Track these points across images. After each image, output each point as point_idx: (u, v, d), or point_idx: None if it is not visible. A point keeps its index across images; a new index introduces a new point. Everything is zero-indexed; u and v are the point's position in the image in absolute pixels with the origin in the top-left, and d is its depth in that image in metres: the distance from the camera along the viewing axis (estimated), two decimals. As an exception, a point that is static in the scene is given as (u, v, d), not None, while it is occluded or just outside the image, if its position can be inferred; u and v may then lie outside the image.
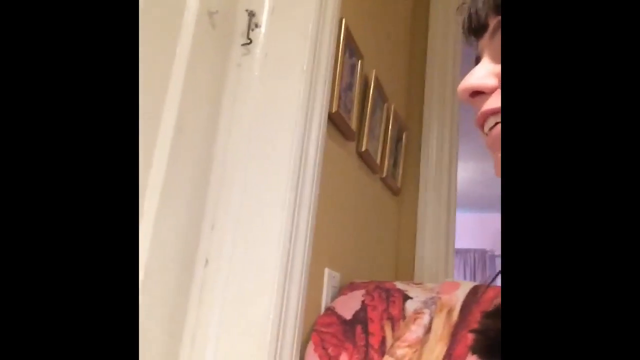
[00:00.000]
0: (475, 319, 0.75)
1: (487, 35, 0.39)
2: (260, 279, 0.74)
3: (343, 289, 0.94)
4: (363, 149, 1.10)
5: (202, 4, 0.75)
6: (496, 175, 0.38)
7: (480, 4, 0.39)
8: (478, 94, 0.38)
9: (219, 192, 0.78)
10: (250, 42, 0.83)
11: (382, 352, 0.78)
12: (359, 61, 1.05)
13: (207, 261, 0.76)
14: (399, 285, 0.90)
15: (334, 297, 0.92)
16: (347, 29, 0.95)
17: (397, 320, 0.82)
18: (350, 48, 0.99)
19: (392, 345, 0.78)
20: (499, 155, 0.38)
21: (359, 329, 0.82)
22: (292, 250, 0.75)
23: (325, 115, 0.84)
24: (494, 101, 0.37)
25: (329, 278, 0.92)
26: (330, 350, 0.80)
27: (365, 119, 1.11)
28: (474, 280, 5.75)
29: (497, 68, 0.38)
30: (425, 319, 0.80)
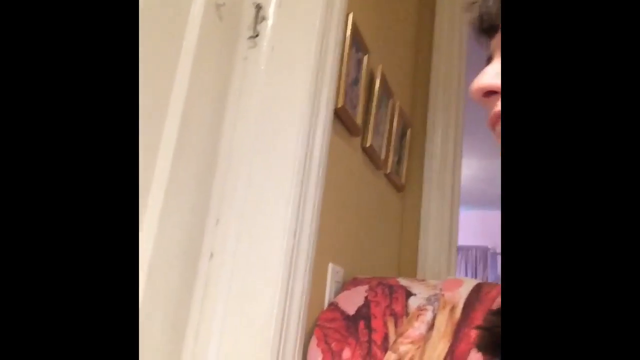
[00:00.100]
0: (478, 317, 0.75)
1: (498, 36, 0.39)
2: (265, 273, 0.74)
3: (346, 285, 0.94)
4: (368, 144, 1.10)
5: (209, -3, 0.75)
6: None
7: (490, 3, 0.39)
8: (490, 94, 0.38)
9: (223, 186, 0.78)
10: (257, 35, 0.83)
11: (385, 348, 0.78)
12: (365, 56, 1.04)
13: (211, 255, 0.76)
14: (402, 281, 0.90)
15: (337, 293, 0.92)
16: (354, 23, 0.95)
17: (400, 316, 0.82)
18: (356, 43, 0.98)
19: (394, 342, 0.78)
20: None
21: (361, 324, 0.82)
22: (296, 245, 0.75)
23: (331, 110, 0.84)
24: None
25: (333, 273, 0.92)
26: (333, 346, 0.80)
27: (371, 114, 1.10)
28: (475, 277, 5.76)
29: None
30: (428, 315, 0.80)
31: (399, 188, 1.41)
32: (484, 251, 5.99)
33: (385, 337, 0.80)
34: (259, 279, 0.74)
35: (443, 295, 0.82)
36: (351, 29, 0.94)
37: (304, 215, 0.77)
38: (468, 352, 0.71)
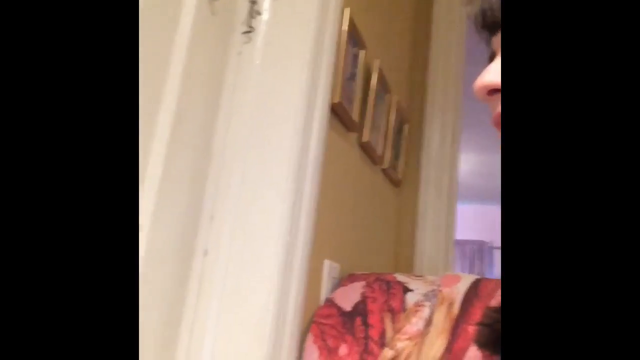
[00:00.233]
0: (476, 313, 0.75)
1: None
2: (260, 269, 0.73)
3: (343, 281, 0.93)
4: (365, 140, 1.09)
5: (202, -9, 0.74)
6: None
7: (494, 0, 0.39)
8: (494, 91, 0.38)
9: (218, 182, 0.78)
10: (252, 30, 0.82)
11: (382, 345, 0.78)
12: (362, 51, 1.03)
13: (206, 252, 0.75)
14: (400, 277, 0.90)
15: (333, 289, 0.92)
16: (350, 18, 0.94)
17: (397, 312, 0.82)
18: (353, 38, 0.98)
19: (392, 338, 0.78)
20: None
21: (358, 320, 0.82)
22: (292, 242, 0.75)
23: (327, 106, 0.83)
24: None
25: (329, 269, 0.92)
26: (329, 342, 0.80)
27: (368, 109, 1.10)
28: (472, 272, 5.77)
29: None
30: (425, 311, 0.79)
31: (396, 183, 1.41)
32: (480, 246, 6.00)
33: (383, 334, 0.79)
34: (254, 275, 0.73)
35: (441, 291, 0.81)
36: (348, 24, 0.93)
37: (300, 211, 0.76)
38: (466, 349, 0.71)
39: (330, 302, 0.87)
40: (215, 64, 0.79)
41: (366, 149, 1.13)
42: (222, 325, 0.72)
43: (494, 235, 5.94)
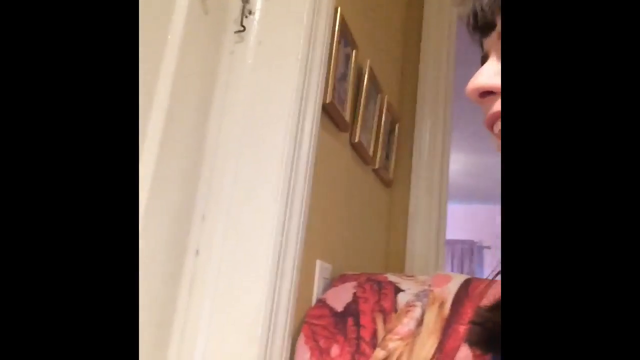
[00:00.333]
0: (467, 313, 0.75)
1: (494, 34, 0.39)
2: (252, 270, 0.73)
3: (334, 281, 0.93)
4: (356, 140, 1.09)
5: (195, -11, 0.74)
6: None
7: (485, 1, 0.39)
8: (487, 93, 0.38)
9: (210, 182, 0.77)
10: (244, 29, 0.82)
11: (374, 345, 0.78)
12: (354, 51, 1.03)
13: (197, 252, 0.75)
14: (391, 277, 0.90)
15: (325, 289, 0.92)
16: (342, 17, 0.94)
17: (388, 312, 0.82)
18: (345, 37, 0.98)
19: (383, 338, 0.78)
20: None
21: (350, 321, 0.82)
22: (284, 242, 0.75)
23: (319, 106, 0.83)
24: None
25: (321, 270, 0.92)
26: (321, 343, 0.80)
27: (359, 109, 1.10)
28: (462, 271, 5.80)
29: None
30: (417, 312, 0.80)
31: (387, 183, 1.41)
32: (470, 245, 6.04)
33: (374, 334, 0.79)
34: (246, 276, 0.73)
35: (432, 291, 0.82)
36: (339, 24, 0.93)
37: (292, 211, 0.76)
38: (457, 348, 0.71)
39: (322, 303, 0.87)
40: (207, 63, 0.78)
41: (358, 149, 1.13)
42: (213, 325, 0.72)
43: (483, 235, 5.97)
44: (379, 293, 0.86)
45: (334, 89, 0.92)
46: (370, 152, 1.21)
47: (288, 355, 0.76)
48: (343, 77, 0.99)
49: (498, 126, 0.37)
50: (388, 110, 1.31)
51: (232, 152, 0.78)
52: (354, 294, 0.86)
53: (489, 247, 5.97)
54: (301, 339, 0.81)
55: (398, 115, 1.46)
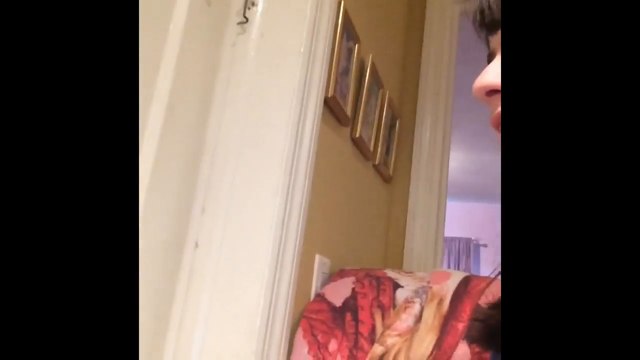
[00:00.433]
0: (466, 310, 0.75)
1: (500, 33, 0.38)
2: (251, 264, 0.73)
3: (333, 276, 0.93)
4: (357, 135, 1.09)
5: (197, -20, 0.73)
6: None
7: None
8: (493, 92, 0.37)
9: (210, 175, 0.77)
10: (246, 20, 0.81)
11: (372, 340, 0.77)
12: (356, 45, 1.03)
13: (197, 244, 0.75)
14: (390, 273, 0.90)
15: (324, 284, 0.92)
16: (345, 11, 0.93)
17: (387, 308, 0.82)
18: (347, 31, 0.97)
19: (382, 334, 0.78)
20: None
21: (348, 316, 0.82)
22: (284, 236, 0.74)
23: (321, 100, 0.83)
24: None
25: (320, 264, 0.91)
26: (319, 337, 0.80)
27: (361, 104, 1.09)
28: (458, 269, 5.82)
29: None
30: (415, 308, 0.79)
31: (386, 179, 1.41)
32: (466, 243, 6.05)
33: (373, 329, 0.79)
34: (245, 269, 0.73)
35: (431, 287, 0.81)
36: (342, 17, 0.92)
37: (292, 205, 0.76)
38: (455, 345, 0.71)
39: (320, 297, 0.86)
40: (209, 55, 0.78)
41: (358, 144, 1.13)
42: (212, 318, 0.71)
43: (480, 233, 5.99)
44: (377, 289, 0.86)
45: (336, 83, 0.91)
46: (371, 148, 1.21)
47: (286, 349, 0.76)
48: (345, 71, 0.98)
49: None
50: (389, 105, 1.30)
51: (232, 145, 0.77)
52: (353, 289, 0.86)
53: (485, 245, 5.98)
54: (299, 333, 0.81)
55: (399, 112, 1.46)
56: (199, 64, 0.75)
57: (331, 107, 0.93)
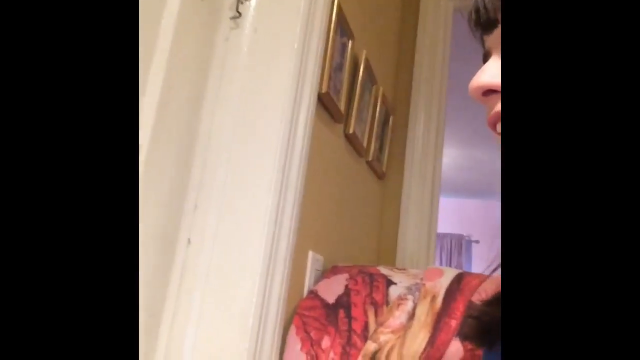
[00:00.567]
0: (459, 307, 0.75)
1: (496, 32, 0.38)
2: (244, 260, 0.72)
3: (326, 273, 0.93)
4: (350, 131, 1.08)
5: (190, -27, 0.72)
6: None
7: None
8: (490, 92, 0.37)
9: (202, 171, 0.76)
10: (240, 15, 0.80)
11: (365, 337, 0.77)
12: (350, 41, 1.02)
13: (189, 241, 0.74)
14: (383, 270, 0.90)
15: (317, 281, 0.91)
16: (339, 6, 0.93)
17: (380, 305, 0.82)
18: (341, 27, 0.96)
19: (375, 331, 0.77)
20: None
21: (341, 313, 0.82)
22: (277, 232, 0.74)
23: (314, 96, 0.82)
24: None
25: (313, 261, 0.91)
26: (312, 334, 0.79)
27: (354, 100, 1.09)
28: (450, 265, 5.85)
29: None
30: (408, 305, 0.79)
31: (380, 176, 1.41)
32: (458, 239, 6.08)
33: (366, 326, 0.79)
34: (238, 266, 0.72)
35: (424, 284, 0.81)
36: (336, 13, 0.92)
37: (285, 202, 0.76)
38: (448, 342, 0.71)
39: (313, 294, 0.86)
40: (201, 50, 0.77)
41: (352, 141, 1.13)
42: (205, 316, 0.71)
43: (472, 229, 6.01)
44: (370, 285, 0.85)
45: (329, 78, 0.90)
46: (364, 144, 1.20)
47: (279, 346, 0.76)
48: (339, 67, 0.98)
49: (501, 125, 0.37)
50: (383, 102, 1.30)
51: (225, 141, 0.77)
52: (346, 286, 0.86)
53: (477, 241, 6.01)
54: (292, 330, 0.80)
55: (392, 108, 1.46)
56: (192, 59, 0.75)
57: (325, 103, 0.93)
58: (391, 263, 1.39)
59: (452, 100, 1.60)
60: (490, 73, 0.37)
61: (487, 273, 0.44)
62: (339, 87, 0.98)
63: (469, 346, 0.68)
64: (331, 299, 0.84)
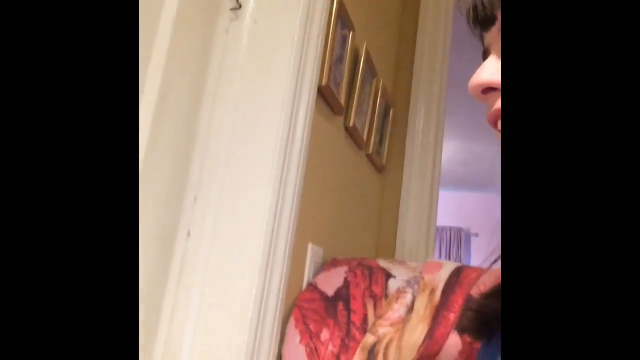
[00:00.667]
0: (457, 300, 0.75)
1: (494, 29, 0.38)
2: (244, 253, 0.72)
3: (325, 265, 0.93)
4: (350, 124, 1.08)
5: (190, -36, 0.71)
6: None
7: None
8: (490, 90, 0.37)
9: (202, 163, 0.76)
10: (240, 6, 0.80)
11: (364, 330, 0.78)
12: (350, 33, 1.02)
13: (188, 234, 0.74)
14: (382, 263, 0.90)
15: (316, 273, 0.91)
16: (340, -2, 0.92)
17: (379, 298, 0.82)
18: (342, 19, 0.96)
19: (374, 324, 0.78)
20: None
21: (340, 305, 0.82)
22: (276, 225, 0.74)
23: (315, 89, 0.82)
24: None
25: (312, 253, 0.91)
26: (311, 326, 0.80)
27: (354, 93, 1.08)
28: (449, 258, 5.86)
29: None
30: (407, 298, 0.80)
31: (379, 169, 1.41)
32: (457, 232, 6.09)
33: (364, 319, 0.79)
34: (237, 258, 0.72)
35: (423, 278, 0.82)
36: (336, 5, 0.91)
37: (285, 194, 0.75)
38: (447, 335, 0.71)
39: (312, 287, 0.86)
40: (201, 41, 0.77)
41: (352, 134, 1.12)
42: (204, 308, 0.71)
43: (471, 222, 6.02)
44: (369, 278, 0.86)
45: (329, 71, 0.90)
46: (364, 137, 1.20)
47: (278, 338, 0.76)
48: (339, 59, 0.97)
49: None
50: (383, 94, 1.30)
51: (225, 133, 0.76)
52: (345, 278, 0.86)
53: (476, 235, 6.02)
54: (291, 323, 0.81)
55: (392, 101, 1.45)
56: (191, 50, 0.74)
57: (325, 95, 0.92)
58: (390, 255, 1.40)
59: (452, 93, 1.59)
60: (490, 71, 0.37)
61: (485, 266, 0.44)
62: (339, 80, 0.98)
63: (468, 339, 0.68)
64: (330, 292, 0.84)
